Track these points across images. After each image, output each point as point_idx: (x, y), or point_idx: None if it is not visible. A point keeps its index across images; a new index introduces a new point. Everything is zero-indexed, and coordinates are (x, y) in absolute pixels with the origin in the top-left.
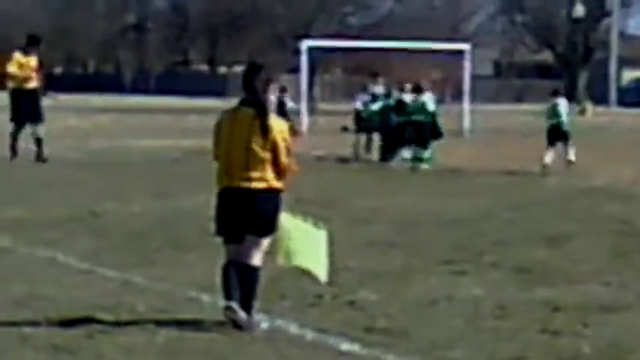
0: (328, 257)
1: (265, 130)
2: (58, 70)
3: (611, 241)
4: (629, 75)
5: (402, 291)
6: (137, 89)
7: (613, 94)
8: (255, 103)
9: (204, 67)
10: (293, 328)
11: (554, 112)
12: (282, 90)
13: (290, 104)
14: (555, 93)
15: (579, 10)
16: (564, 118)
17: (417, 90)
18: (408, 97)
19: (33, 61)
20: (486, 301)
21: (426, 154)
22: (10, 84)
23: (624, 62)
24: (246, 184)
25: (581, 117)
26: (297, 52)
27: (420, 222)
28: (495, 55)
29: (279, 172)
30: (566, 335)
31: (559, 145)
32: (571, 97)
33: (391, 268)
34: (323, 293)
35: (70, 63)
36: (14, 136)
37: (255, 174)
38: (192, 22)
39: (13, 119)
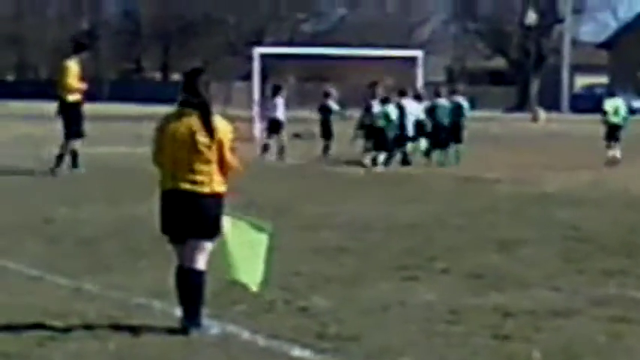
0: (266, 262)
1: (211, 130)
2: (9, 77)
3: (562, 246)
4: (581, 81)
5: (354, 297)
6: (90, 96)
7: (565, 101)
8: (198, 105)
9: (157, 75)
10: (245, 334)
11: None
12: (326, 95)
13: (335, 107)
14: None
15: (532, 17)
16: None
17: (385, 100)
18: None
19: None
20: (438, 307)
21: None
22: None
23: (576, 69)
24: (190, 187)
25: (533, 124)
26: (249, 59)
27: (372, 227)
28: (448, 62)
29: (225, 171)
30: (517, 340)
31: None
32: (523, 104)
33: (343, 273)
34: (275, 299)
35: (22, 70)
36: None
37: (200, 177)
38: (145, 29)
39: None
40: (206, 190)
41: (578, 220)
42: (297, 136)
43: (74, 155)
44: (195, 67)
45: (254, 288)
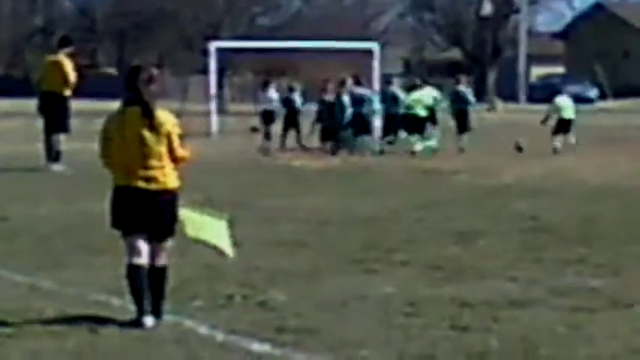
0: (233, 246)
1: (155, 126)
2: None
3: (520, 237)
4: (537, 72)
5: (313, 290)
6: None
7: (522, 91)
8: (140, 102)
9: (112, 70)
10: (203, 330)
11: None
12: (291, 89)
13: (299, 102)
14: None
15: (487, 8)
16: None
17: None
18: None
19: None
20: (396, 299)
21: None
22: None
23: (533, 59)
24: (145, 185)
25: (490, 114)
26: (205, 53)
27: (331, 221)
28: (405, 54)
29: (177, 163)
30: (475, 331)
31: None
32: (480, 95)
33: (301, 267)
34: (233, 294)
35: None
36: None
37: (152, 173)
38: (100, 25)
39: None
40: (160, 187)
41: (536, 211)
42: (254, 130)
43: (57, 151)
44: (134, 64)
45: (231, 254)
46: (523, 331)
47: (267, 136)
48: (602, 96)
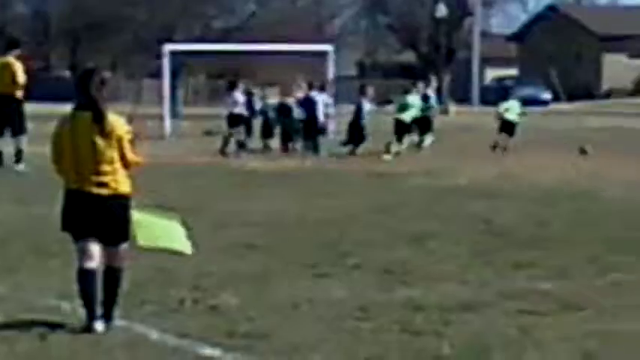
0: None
1: (105, 130)
2: None
3: (473, 239)
4: (491, 74)
5: (264, 294)
6: None
7: (476, 94)
8: (91, 107)
9: (66, 73)
10: (154, 334)
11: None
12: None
13: (368, 106)
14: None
15: (442, 10)
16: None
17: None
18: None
19: None
20: (348, 303)
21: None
22: None
23: (486, 61)
24: (96, 190)
25: (444, 116)
26: (159, 56)
27: (283, 224)
28: (359, 56)
29: (128, 167)
30: (427, 335)
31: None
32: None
33: (253, 271)
34: (184, 298)
35: None
36: None
37: (105, 178)
38: (53, 27)
39: None
40: (112, 192)
41: (489, 213)
42: (208, 133)
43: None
44: (87, 68)
45: (188, 252)
46: (474, 335)
47: (227, 139)
48: (556, 98)
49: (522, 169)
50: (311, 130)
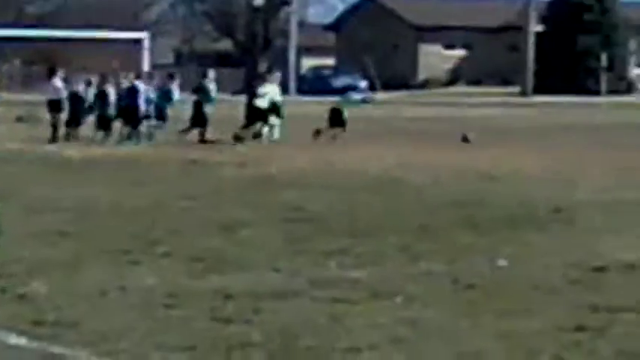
0: None
1: None
2: None
3: (285, 228)
4: (308, 63)
5: (74, 282)
6: None
7: (292, 83)
8: None
9: None
10: None
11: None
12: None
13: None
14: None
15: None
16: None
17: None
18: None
19: None
20: (158, 291)
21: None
22: None
23: (304, 51)
24: None
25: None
26: None
27: (96, 211)
28: (176, 44)
29: None
30: (237, 323)
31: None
32: (252, 86)
33: (64, 258)
34: None
35: None
36: None
37: None
38: None
39: None
40: None
41: (302, 202)
42: (20, 119)
43: None
44: None
45: None
46: (284, 323)
47: (55, 125)
48: (372, 88)
49: (336, 158)
50: (132, 118)
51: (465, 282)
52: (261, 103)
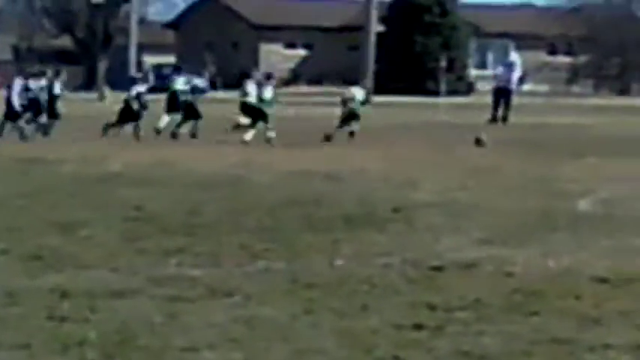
0: None
1: None
2: None
3: (123, 227)
4: (149, 61)
5: None
6: None
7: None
8: None
9: None
10: None
11: None
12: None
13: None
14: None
15: None
16: None
17: None
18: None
19: None
20: None
21: None
22: None
23: (144, 48)
24: None
25: (99, 103)
26: None
27: None
28: (14, 40)
29: None
30: (73, 321)
31: None
32: (90, 84)
33: None
34: None
35: None
36: None
37: None
38: None
39: None
40: None
41: (141, 200)
42: None
43: None
44: None
45: None
46: (120, 322)
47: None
48: (213, 86)
49: (178, 156)
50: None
51: (304, 281)
52: (250, 99)
